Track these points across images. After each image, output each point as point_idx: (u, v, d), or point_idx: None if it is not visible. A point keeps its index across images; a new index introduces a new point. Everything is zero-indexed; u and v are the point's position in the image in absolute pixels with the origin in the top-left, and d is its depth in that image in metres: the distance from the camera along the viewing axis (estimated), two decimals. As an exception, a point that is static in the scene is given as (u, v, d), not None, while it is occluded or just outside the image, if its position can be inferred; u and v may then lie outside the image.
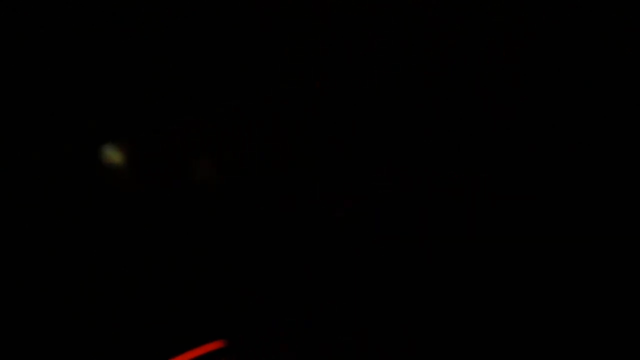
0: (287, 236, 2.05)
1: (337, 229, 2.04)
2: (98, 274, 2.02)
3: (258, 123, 2.07)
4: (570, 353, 1.95)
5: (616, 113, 2.04)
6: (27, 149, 2.04)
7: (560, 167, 2.03)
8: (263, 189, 2.05)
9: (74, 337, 1.98)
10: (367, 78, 2.07)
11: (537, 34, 2.05)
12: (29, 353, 1.96)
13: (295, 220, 2.05)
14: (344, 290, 2.03)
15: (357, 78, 2.07)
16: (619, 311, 1.97)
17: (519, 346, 1.97)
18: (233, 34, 2.08)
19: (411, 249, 2.03)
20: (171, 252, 2.05)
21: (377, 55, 2.07)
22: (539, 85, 2.05)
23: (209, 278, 2.05)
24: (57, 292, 2.00)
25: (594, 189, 2.02)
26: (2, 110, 2.04)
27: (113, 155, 2.04)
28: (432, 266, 2.02)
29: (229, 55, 2.08)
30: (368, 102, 2.07)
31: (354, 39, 2.07)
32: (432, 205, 2.04)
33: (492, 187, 2.03)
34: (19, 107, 2.06)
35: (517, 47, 2.05)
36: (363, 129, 2.07)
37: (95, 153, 2.06)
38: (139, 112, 2.07)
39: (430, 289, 2.01)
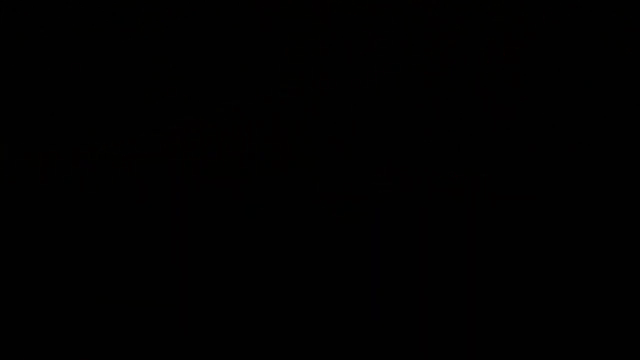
0: (287, 236, 2.04)
1: (337, 229, 2.04)
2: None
3: (258, 123, 2.07)
4: (570, 353, 1.95)
5: (616, 113, 2.04)
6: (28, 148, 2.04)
7: (560, 167, 2.03)
8: (263, 188, 2.05)
9: None
10: (367, 78, 2.07)
11: (537, 34, 2.05)
12: None
13: (294, 219, 2.05)
14: (343, 289, 2.02)
15: (357, 78, 2.07)
16: (619, 311, 1.97)
17: (519, 346, 1.97)
18: (233, 33, 2.08)
19: (411, 248, 2.03)
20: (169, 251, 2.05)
21: (377, 55, 2.07)
22: (539, 85, 2.05)
23: (213, 279, 2.04)
24: None
25: (594, 188, 2.02)
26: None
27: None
28: (432, 266, 2.02)
29: (229, 55, 2.08)
30: (368, 102, 2.07)
31: (354, 39, 2.07)
32: (432, 205, 2.03)
33: (492, 187, 2.03)
34: (18, 107, 2.06)
35: (517, 47, 2.05)
36: (363, 129, 2.07)
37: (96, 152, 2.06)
38: (139, 112, 2.07)
39: (430, 289, 2.01)
